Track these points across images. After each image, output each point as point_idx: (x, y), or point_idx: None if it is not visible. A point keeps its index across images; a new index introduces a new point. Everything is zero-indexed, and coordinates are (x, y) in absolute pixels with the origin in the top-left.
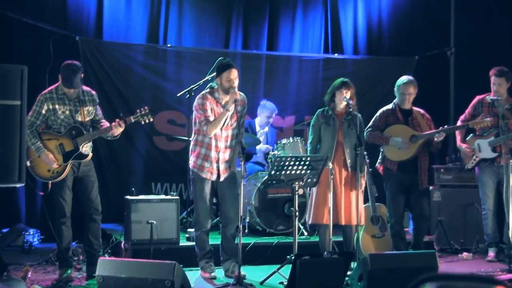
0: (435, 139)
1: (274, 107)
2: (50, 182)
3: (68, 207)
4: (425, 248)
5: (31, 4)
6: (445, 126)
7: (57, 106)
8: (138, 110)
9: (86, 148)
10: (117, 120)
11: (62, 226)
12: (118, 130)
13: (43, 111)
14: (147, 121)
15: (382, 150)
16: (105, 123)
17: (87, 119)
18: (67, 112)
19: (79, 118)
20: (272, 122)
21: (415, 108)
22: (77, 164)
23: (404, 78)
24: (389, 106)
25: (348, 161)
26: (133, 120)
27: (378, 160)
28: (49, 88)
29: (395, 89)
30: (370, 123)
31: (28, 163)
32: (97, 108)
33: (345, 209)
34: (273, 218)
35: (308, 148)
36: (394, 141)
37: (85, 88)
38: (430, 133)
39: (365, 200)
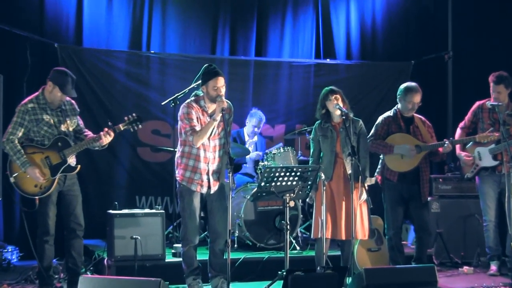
0: (442, 150)
1: (261, 116)
2: (37, 198)
3: (52, 225)
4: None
5: (7, 9)
6: (450, 138)
7: (40, 117)
8: (126, 118)
9: (73, 160)
10: (106, 129)
11: (45, 244)
12: (107, 139)
13: (25, 122)
14: (136, 128)
15: (382, 159)
16: (89, 133)
17: (71, 129)
18: (51, 123)
19: (63, 129)
20: (261, 131)
21: (416, 115)
22: (62, 178)
23: (410, 86)
24: (390, 113)
25: (349, 172)
26: (122, 128)
27: (377, 170)
28: (29, 98)
29: (399, 95)
30: (372, 132)
31: (12, 179)
32: (78, 118)
33: (345, 223)
34: (263, 232)
35: (310, 161)
36: (399, 148)
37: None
38: (434, 144)
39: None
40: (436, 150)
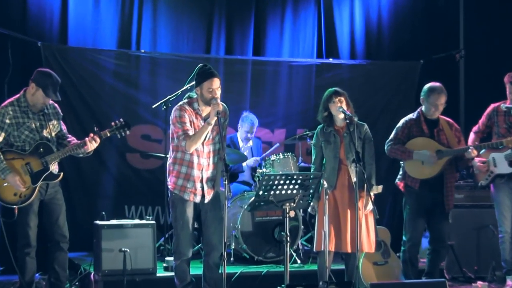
0: (467, 155)
1: (253, 120)
2: (16, 207)
3: (33, 236)
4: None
5: None
6: (475, 143)
7: (21, 120)
8: (113, 123)
9: (55, 167)
10: (91, 134)
11: (26, 257)
12: (92, 145)
13: (5, 126)
14: (123, 134)
15: (403, 165)
16: (72, 139)
17: (53, 134)
18: (33, 127)
19: (45, 134)
20: (260, 135)
21: (442, 117)
22: (44, 186)
23: (434, 86)
24: (412, 115)
25: (353, 180)
26: (109, 134)
27: (398, 176)
28: (10, 100)
29: (422, 96)
30: (392, 135)
31: None
32: (61, 122)
33: (350, 235)
34: (261, 244)
35: (312, 168)
36: (419, 154)
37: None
38: (458, 149)
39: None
40: (462, 155)
